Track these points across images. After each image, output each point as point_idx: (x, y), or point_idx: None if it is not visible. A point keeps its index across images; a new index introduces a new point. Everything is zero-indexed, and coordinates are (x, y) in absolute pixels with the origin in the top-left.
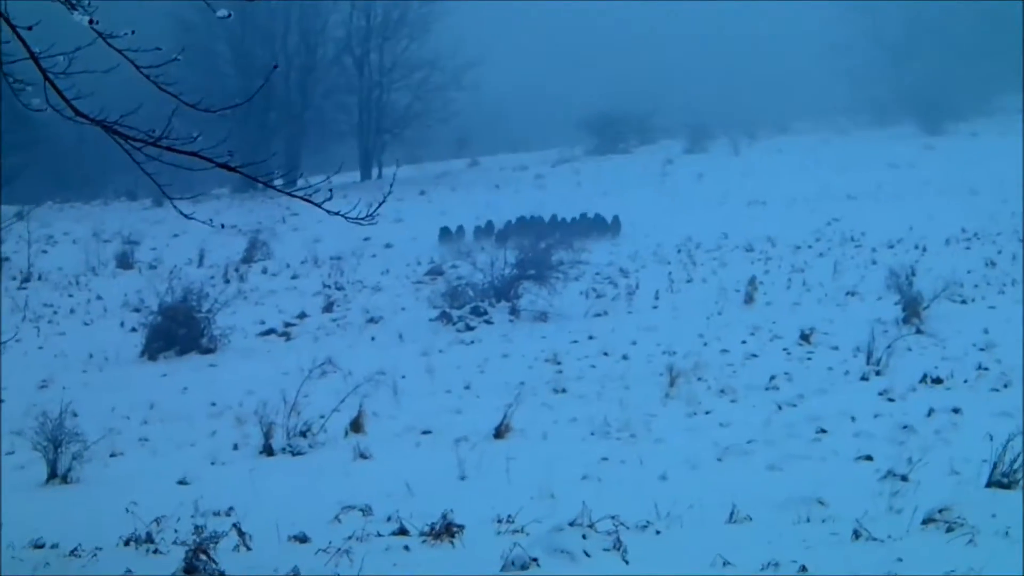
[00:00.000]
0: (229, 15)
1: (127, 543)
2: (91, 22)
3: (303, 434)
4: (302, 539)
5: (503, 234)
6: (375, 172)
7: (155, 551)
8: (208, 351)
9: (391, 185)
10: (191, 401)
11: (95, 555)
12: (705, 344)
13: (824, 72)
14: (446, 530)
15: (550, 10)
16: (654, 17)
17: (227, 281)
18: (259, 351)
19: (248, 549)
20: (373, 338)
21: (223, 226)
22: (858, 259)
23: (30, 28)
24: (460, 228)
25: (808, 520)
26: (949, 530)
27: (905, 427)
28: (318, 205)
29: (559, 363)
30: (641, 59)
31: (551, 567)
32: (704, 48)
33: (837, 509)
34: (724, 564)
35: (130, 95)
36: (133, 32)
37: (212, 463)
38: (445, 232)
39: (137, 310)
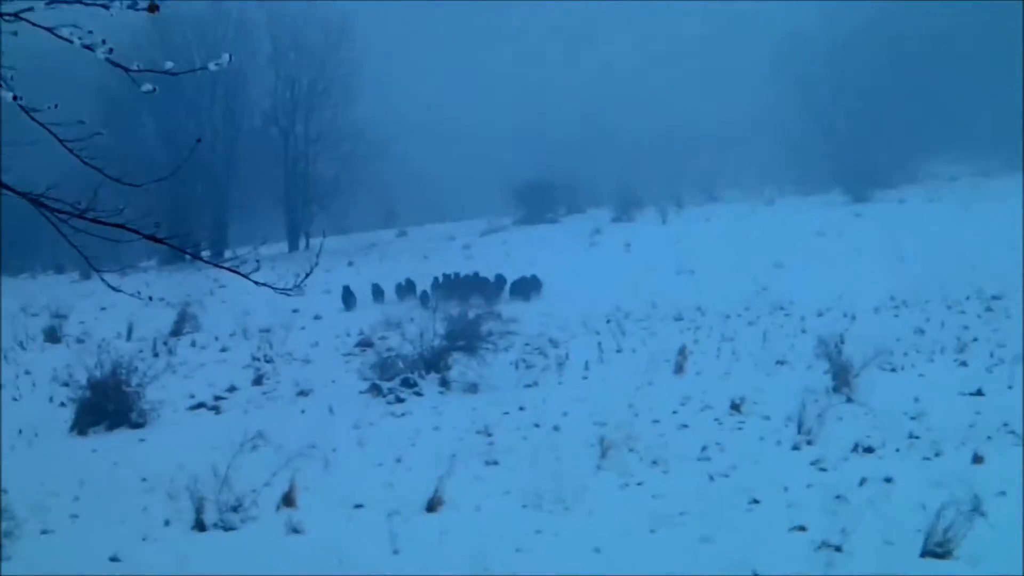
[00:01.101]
0: (154, 89)
1: None
2: (15, 98)
3: (235, 509)
4: None
5: (426, 294)
6: (303, 243)
7: None
8: (138, 425)
9: (318, 256)
10: (122, 476)
11: None
12: (636, 414)
13: (753, 140)
14: None
15: (478, 79)
16: (582, 84)
17: (156, 354)
18: (189, 425)
19: None
20: (303, 411)
21: (151, 299)
22: (787, 327)
23: None
24: (379, 288)
25: None
26: None
27: (838, 497)
28: (246, 276)
29: (490, 435)
30: (569, 127)
31: None
32: (633, 115)
33: None
34: None
35: (55, 166)
36: (56, 106)
37: (144, 539)
38: (376, 289)
39: (66, 384)
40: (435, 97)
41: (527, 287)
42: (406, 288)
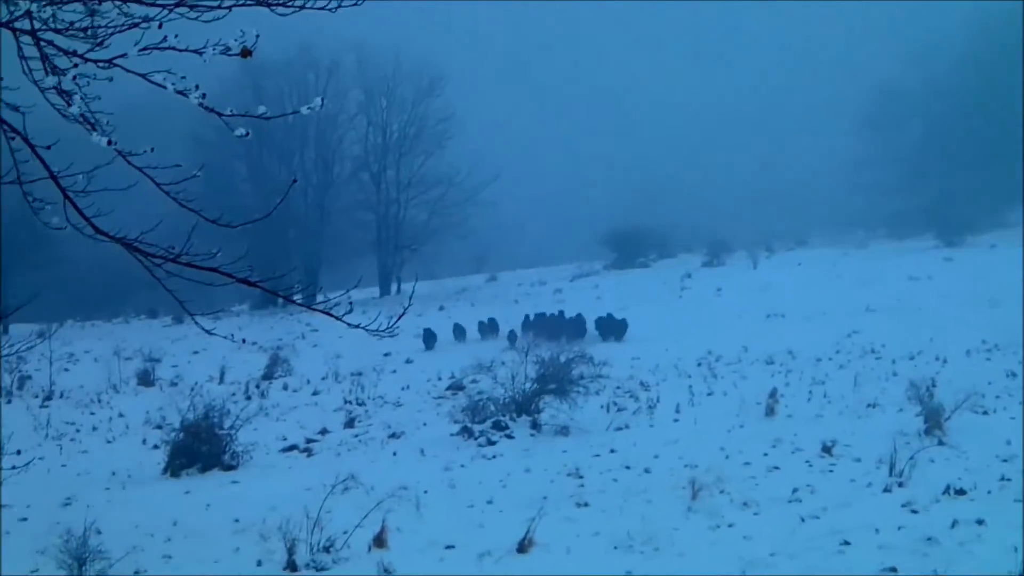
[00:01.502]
0: (247, 134)
1: None
2: (109, 143)
3: (326, 550)
4: None
5: (513, 333)
6: (394, 287)
7: None
8: (230, 468)
9: (410, 299)
10: (214, 518)
11: None
12: (727, 457)
13: (842, 186)
14: None
15: (569, 123)
16: (674, 129)
17: (248, 397)
18: (281, 467)
19: None
20: (395, 453)
21: (244, 342)
22: (878, 371)
23: (48, 148)
24: (460, 327)
25: None
26: None
27: (929, 539)
28: (338, 318)
29: (581, 477)
30: (660, 173)
31: None
32: (724, 161)
33: None
34: None
35: (149, 212)
36: (152, 150)
37: None
38: (458, 328)
39: (159, 427)
40: (526, 143)
41: (614, 327)
42: (488, 327)
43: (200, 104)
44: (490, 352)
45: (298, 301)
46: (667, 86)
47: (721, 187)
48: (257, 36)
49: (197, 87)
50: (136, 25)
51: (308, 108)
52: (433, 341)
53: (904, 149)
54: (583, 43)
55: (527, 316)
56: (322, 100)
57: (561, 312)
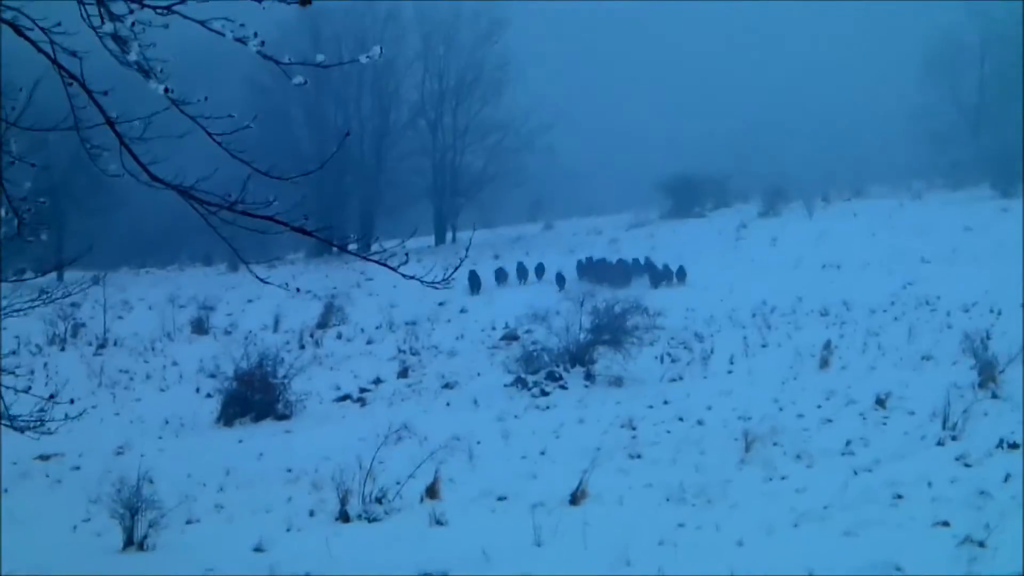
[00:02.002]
0: (305, 82)
1: None
2: (166, 90)
3: (379, 500)
4: None
5: (561, 277)
6: (449, 236)
7: None
8: (284, 417)
9: (467, 250)
10: (267, 467)
11: None
12: (780, 409)
13: (900, 135)
14: None
15: (625, 72)
16: (732, 77)
17: (302, 347)
18: (334, 417)
19: None
20: (448, 403)
21: (298, 290)
22: (933, 323)
23: (105, 93)
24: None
25: None
26: None
27: (982, 492)
28: (394, 269)
29: (634, 428)
30: (717, 120)
31: None
32: (782, 110)
33: (915, 575)
34: None
35: (206, 159)
36: (207, 98)
37: (288, 529)
38: (500, 272)
39: (213, 376)
40: (584, 91)
41: (668, 276)
42: (536, 272)
43: (259, 52)
44: (537, 295)
45: (353, 250)
46: (726, 34)
47: (779, 136)
48: None
49: (256, 35)
50: None
51: (367, 57)
52: (478, 286)
53: (962, 98)
54: None
55: (580, 260)
56: (380, 49)
57: (620, 260)
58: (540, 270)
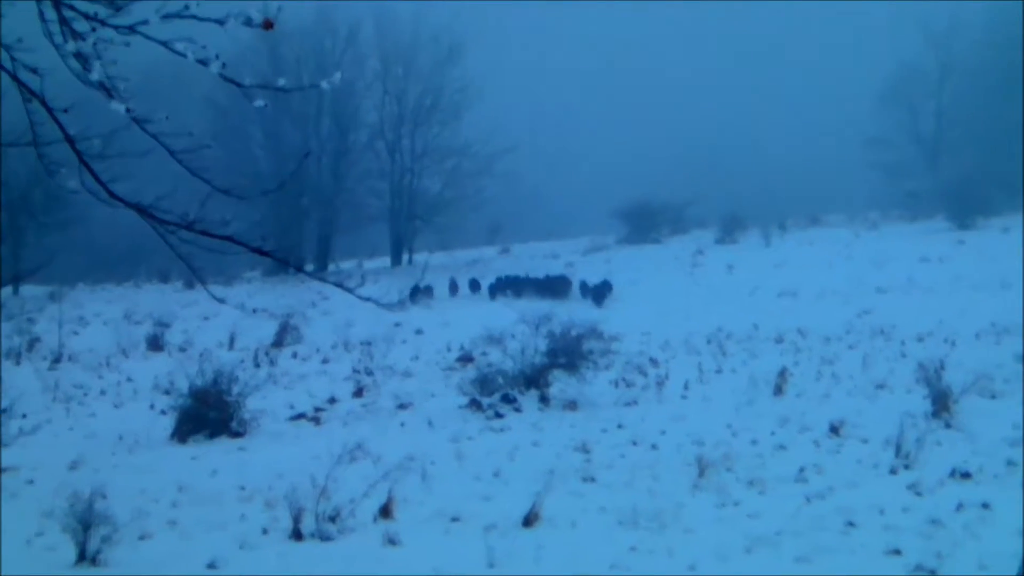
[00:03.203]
0: (266, 105)
1: None
2: (128, 110)
3: (332, 519)
4: None
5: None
6: (406, 257)
7: None
8: (238, 435)
9: (423, 271)
10: (220, 484)
11: None
12: (734, 435)
13: (857, 165)
14: None
15: (585, 97)
16: (691, 105)
17: (257, 365)
18: (289, 435)
19: None
20: (403, 424)
21: (255, 311)
22: (888, 352)
23: (66, 111)
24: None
25: None
26: None
27: (934, 521)
28: (350, 291)
29: (588, 452)
30: (676, 146)
31: None
32: (739, 139)
33: None
34: None
35: (165, 177)
36: (167, 117)
37: (241, 547)
38: (452, 284)
39: (167, 392)
40: (543, 116)
41: (599, 291)
42: (472, 286)
43: (220, 75)
44: (474, 304)
45: (310, 272)
46: (684, 62)
47: (736, 165)
48: (279, 8)
49: (217, 56)
50: None
51: (327, 82)
52: (417, 296)
53: (919, 130)
54: (601, 18)
55: (499, 277)
56: (341, 74)
57: (547, 275)
58: (475, 286)
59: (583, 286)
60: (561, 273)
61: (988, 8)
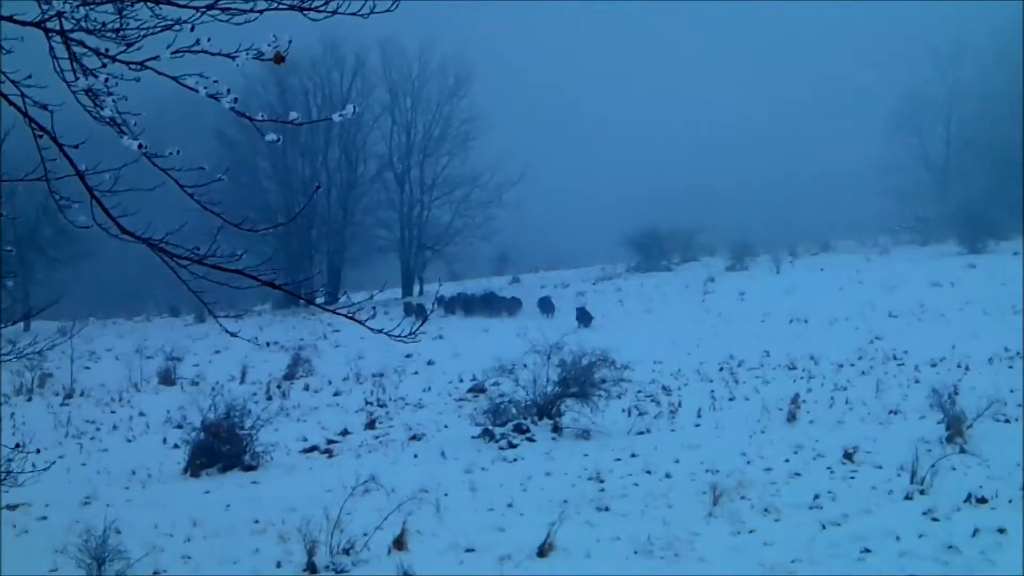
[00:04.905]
0: (278, 139)
1: None
2: (140, 147)
3: (346, 552)
4: None
5: (451, 302)
6: (417, 289)
7: None
8: (251, 468)
9: (434, 303)
10: (234, 518)
11: None
12: (748, 462)
13: (866, 190)
14: None
15: (595, 126)
16: (700, 132)
17: (269, 398)
18: (302, 468)
19: None
20: (416, 455)
21: (268, 344)
22: (901, 378)
23: (76, 147)
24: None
25: None
26: None
27: (950, 547)
28: (361, 323)
29: (602, 481)
30: (686, 175)
31: None
32: (750, 165)
33: None
34: None
35: (175, 211)
36: (178, 151)
37: None
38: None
39: (180, 427)
40: (551, 145)
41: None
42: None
43: (232, 109)
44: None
45: (321, 304)
46: (693, 89)
47: (745, 191)
48: (290, 42)
49: (229, 91)
50: (169, 27)
51: (339, 115)
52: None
53: (929, 154)
54: (610, 46)
55: (443, 296)
56: (354, 108)
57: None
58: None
59: (541, 302)
60: (513, 295)
61: (994, 33)
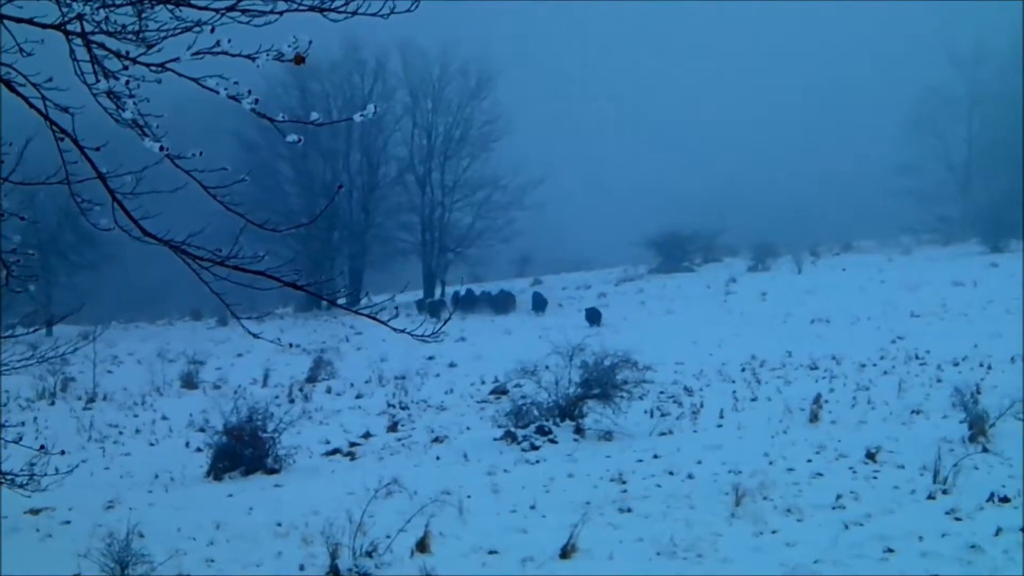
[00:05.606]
0: (299, 140)
1: None
2: (161, 148)
3: (369, 554)
4: None
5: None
6: (438, 291)
7: None
8: (273, 471)
9: (455, 304)
10: (257, 521)
11: None
12: (771, 463)
13: (888, 191)
14: None
15: (616, 127)
16: (722, 133)
17: (292, 401)
18: (324, 471)
19: None
20: (438, 457)
21: (290, 346)
22: (923, 377)
23: (98, 149)
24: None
25: None
26: None
27: (973, 547)
28: (384, 323)
29: (624, 482)
30: (708, 174)
31: None
32: (771, 166)
33: None
34: None
35: (196, 214)
36: (201, 153)
37: None
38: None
39: (202, 430)
40: (573, 146)
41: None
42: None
43: (253, 110)
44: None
45: (343, 305)
46: (713, 91)
47: (767, 192)
48: (310, 43)
49: (249, 92)
50: (189, 29)
51: (361, 115)
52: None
53: (950, 154)
54: (631, 48)
55: (456, 291)
56: (375, 108)
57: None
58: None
59: (534, 298)
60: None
61: (1011, 35)
